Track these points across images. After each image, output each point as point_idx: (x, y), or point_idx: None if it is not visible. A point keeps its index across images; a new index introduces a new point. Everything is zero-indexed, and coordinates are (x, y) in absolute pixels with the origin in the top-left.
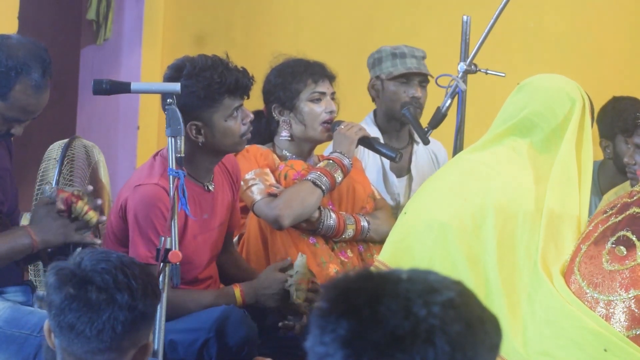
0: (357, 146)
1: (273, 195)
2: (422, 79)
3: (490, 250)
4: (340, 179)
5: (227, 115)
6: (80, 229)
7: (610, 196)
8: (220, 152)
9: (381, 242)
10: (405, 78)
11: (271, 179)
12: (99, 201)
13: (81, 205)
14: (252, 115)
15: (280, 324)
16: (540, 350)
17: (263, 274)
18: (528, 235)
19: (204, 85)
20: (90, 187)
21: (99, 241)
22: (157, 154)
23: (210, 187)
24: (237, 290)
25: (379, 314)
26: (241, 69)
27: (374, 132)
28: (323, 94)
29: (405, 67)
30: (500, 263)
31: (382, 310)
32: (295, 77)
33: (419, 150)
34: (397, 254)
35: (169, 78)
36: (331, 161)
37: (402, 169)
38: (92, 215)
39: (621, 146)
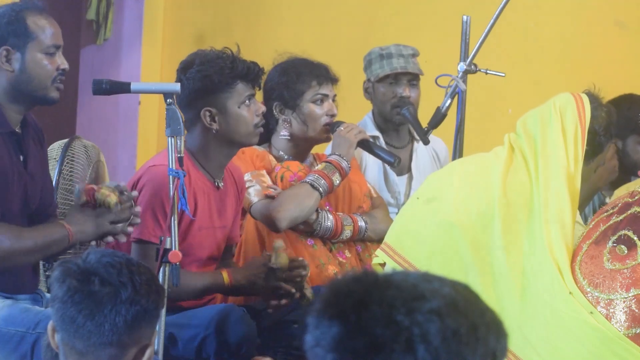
0: (356, 148)
1: (270, 197)
2: (412, 77)
3: (496, 237)
4: (338, 181)
5: (240, 102)
6: (114, 222)
7: (621, 191)
8: (235, 143)
9: (379, 241)
10: (393, 78)
11: (268, 181)
12: (135, 193)
13: (103, 191)
14: (264, 108)
15: (273, 302)
16: (543, 337)
17: (249, 259)
18: (536, 222)
19: (217, 69)
20: (123, 183)
21: (130, 229)
22: None
23: (220, 185)
24: (224, 272)
25: (363, 320)
26: (251, 61)
27: (373, 132)
28: (326, 96)
29: (391, 68)
30: (507, 249)
31: (366, 317)
32: (299, 78)
33: (420, 148)
34: (402, 237)
35: (182, 69)
36: (329, 164)
37: (403, 168)
38: (113, 198)
39: (633, 146)
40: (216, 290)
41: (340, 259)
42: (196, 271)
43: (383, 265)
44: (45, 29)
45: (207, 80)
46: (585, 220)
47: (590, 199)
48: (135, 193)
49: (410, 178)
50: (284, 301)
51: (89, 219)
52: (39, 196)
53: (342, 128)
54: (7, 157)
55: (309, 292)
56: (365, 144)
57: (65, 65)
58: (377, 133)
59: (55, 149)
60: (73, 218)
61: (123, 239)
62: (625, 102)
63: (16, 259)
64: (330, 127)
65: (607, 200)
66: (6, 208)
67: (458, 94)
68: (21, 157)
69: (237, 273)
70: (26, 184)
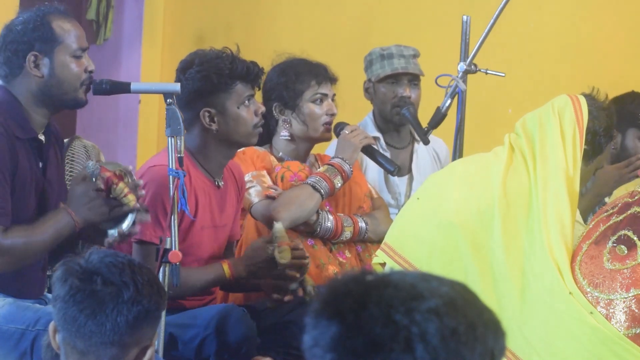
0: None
1: (271, 198)
2: (412, 77)
3: (496, 237)
4: (339, 184)
5: (239, 102)
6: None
7: (620, 191)
8: (234, 143)
9: (379, 242)
10: (394, 78)
11: (268, 181)
12: (141, 181)
13: (122, 187)
14: (264, 108)
15: (274, 295)
16: (543, 337)
17: (248, 248)
18: (535, 222)
19: (216, 69)
20: (130, 167)
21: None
22: None
23: (220, 184)
24: (225, 265)
25: (361, 319)
26: (251, 61)
27: (374, 132)
28: (325, 95)
29: (392, 68)
30: (507, 249)
31: (364, 316)
32: (298, 77)
33: (420, 149)
34: (402, 237)
35: (181, 69)
36: (331, 166)
37: (403, 168)
38: (132, 199)
39: (632, 141)
40: (219, 283)
41: (341, 259)
42: (197, 266)
43: (383, 265)
44: (71, 33)
45: (206, 81)
46: (585, 220)
47: (593, 207)
48: (140, 182)
49: (411, 179)
50: (287, 297)
51: (97, 206)
52: (55, 203)
53: (347, 131)
54: (26, 164)
55: (310, 286)
56: (369, 150)
57: (92, 66)
58: (377, 134)
59: None
60: (79, 204)
61: (147, 216)
62: (628, 97)
63: (30, 258)
64: (334, 129)
65: (607, 200)
66: (22, 214)
67: (458, 94)
68: (40, 164)
69: (238, 264)
70: (44, 191)
